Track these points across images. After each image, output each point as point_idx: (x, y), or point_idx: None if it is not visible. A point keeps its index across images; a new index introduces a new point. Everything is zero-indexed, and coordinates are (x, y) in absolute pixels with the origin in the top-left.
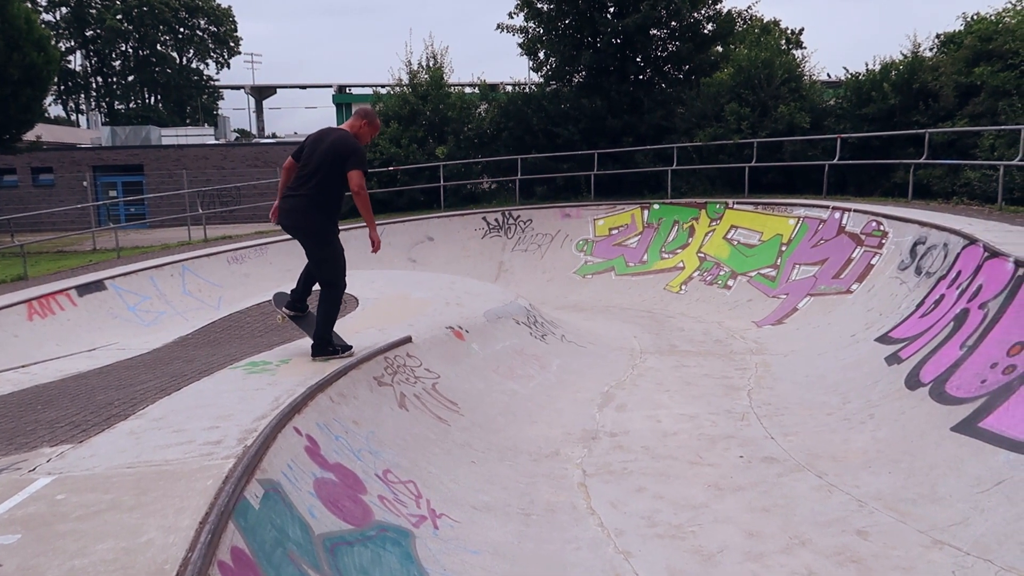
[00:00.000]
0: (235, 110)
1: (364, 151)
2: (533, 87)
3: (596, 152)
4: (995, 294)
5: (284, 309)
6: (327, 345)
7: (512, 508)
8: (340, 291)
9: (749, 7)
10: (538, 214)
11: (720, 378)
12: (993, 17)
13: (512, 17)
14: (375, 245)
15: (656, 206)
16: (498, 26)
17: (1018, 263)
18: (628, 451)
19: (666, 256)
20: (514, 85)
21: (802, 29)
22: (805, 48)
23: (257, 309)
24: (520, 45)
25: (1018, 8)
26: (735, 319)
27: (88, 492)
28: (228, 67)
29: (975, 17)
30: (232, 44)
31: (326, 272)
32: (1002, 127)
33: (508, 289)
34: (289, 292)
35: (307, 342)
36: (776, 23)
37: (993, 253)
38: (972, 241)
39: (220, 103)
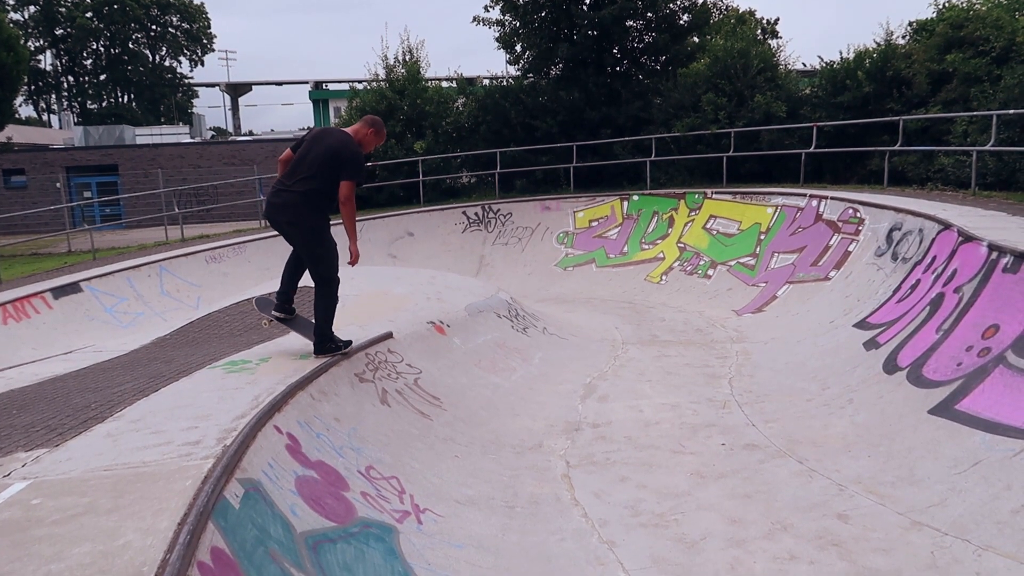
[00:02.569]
0: (210, 108)
1: (363, 160)
2: (510, 80)
3: (575, 144)
4: (969, 278)
5: (273, 312)
6: (329, 342)
7: (496, 501)
8: (336, 286)
9: None
10: (518, 207)
11: (701, 367)
12: (964, 4)
13: (488, 10)
14: (353, 257)
15: (635, 197)
16: (474, 19)
17: (992, 247)
18: (611, 441)
19: (646, 247)
20: (491, 78)
21: (777, 19)
22: (780, 38)
23: (236, 308)
24: (497, 38)
25: None
26: (715, 308)
27: (64, 496)
28: (202, 65)
29: (947, 5)
30: (206, 41)
31: (323, 268)
32: (974, 113)
33: (489, 283)
34: (274, 295)
35: (287, 341)
36: (751, 13)
37: (967, 238)
38: (947, 226)
39: (195, 101)
